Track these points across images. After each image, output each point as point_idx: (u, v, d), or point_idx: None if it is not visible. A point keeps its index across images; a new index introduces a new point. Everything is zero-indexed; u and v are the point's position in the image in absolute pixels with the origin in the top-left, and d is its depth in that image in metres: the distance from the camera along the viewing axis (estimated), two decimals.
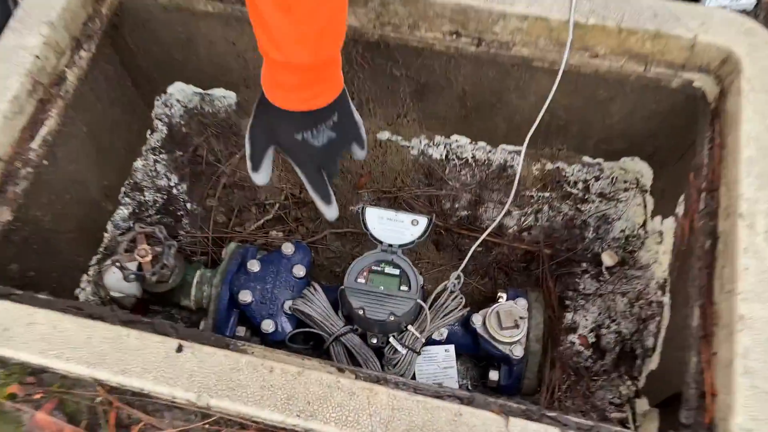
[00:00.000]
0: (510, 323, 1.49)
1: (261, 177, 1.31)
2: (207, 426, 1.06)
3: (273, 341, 1.57)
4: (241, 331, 1.62)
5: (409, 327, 1.47)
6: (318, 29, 0.92)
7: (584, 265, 1.66)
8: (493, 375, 1.58)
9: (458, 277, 1.53)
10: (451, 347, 1.55)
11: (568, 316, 1.60)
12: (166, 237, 1.49)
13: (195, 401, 1.05)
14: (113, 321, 1.12)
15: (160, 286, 1.57)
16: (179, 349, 1.09)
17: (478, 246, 1.84)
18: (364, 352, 1.48)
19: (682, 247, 1.31)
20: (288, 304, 1.55)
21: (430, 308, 1.48)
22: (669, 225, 1.43)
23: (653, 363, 1.37)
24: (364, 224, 1.51)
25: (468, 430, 1.02)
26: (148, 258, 1.48)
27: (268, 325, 1.53)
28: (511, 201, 1.48)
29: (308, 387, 1.05)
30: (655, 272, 1.46)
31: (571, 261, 1.69)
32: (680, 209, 1.35)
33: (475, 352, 1.61)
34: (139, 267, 1.49)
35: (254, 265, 1.60)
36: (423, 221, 1.50)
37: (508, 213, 1.81)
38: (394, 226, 1.51)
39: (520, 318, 1.50)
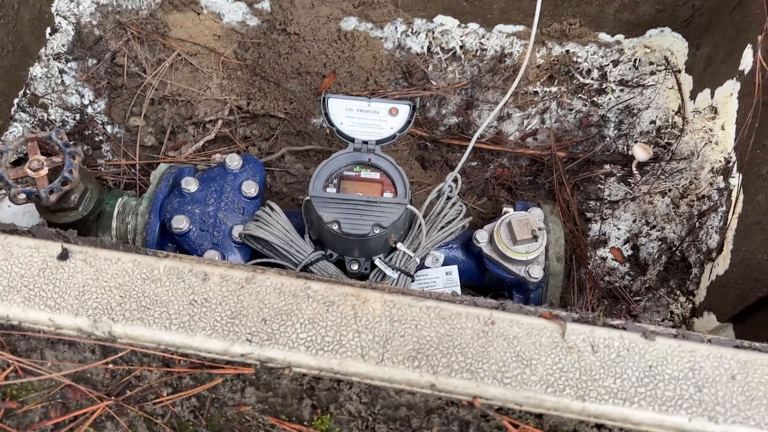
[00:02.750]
0: (525, 235, 1.16)
1: None
2: (112, 366, 0.70)
3: None
4: None
5: (399, 245, 1.13)
6: None
7: (607, 167, 1.34)
8: None
9: (455, 179, 1.19)
10: (454, 268, 1.21)
11: (594, 227, 1.27)
12: (66, 143, 1.11)
13: (90, 330, 0.69)
14: None
15: (66, 215, 1.19)
16: (63, 255, 0.72)
17: (472, 161, 1.50)
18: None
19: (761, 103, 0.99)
20: (237, 230, 1.19)
21: (424, 220, 1.13)
22: (726, 92, 1.11)
23: (720, 267, 1.04)
24: (328, 118, 1.15)
25: (506, 344, 0.68)
26: (44, 172, 1.10)
27: (212, 258, 1.17)
28: (516, 85, 1.14)
29: (263, 299, 0.70)
30: (709, 156, 1.14)
31: (591, 164, 1.36)
32: (747, 62, 1.03)
33: (480, 281, 1.28)
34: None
35: (191, 184, 1.23)
36: (404, 109, 1.15)
37: (508, 117, 1.47)
38: (368, 119, 1.16)
39: (539, 228, 1.17)
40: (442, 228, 1.16)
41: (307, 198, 1.10)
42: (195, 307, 0.69)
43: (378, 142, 1.15)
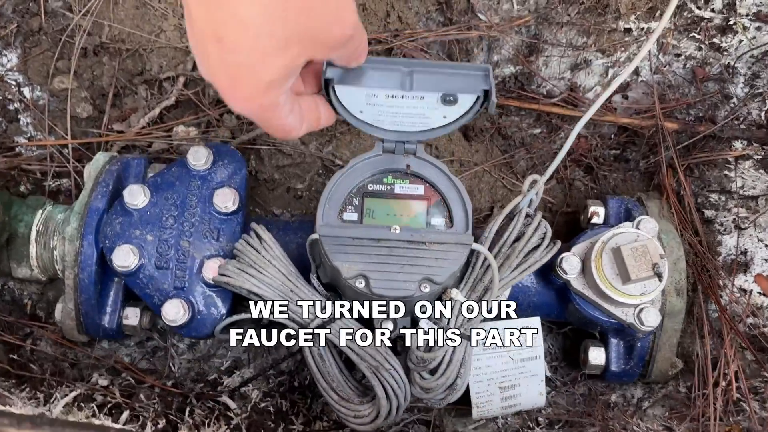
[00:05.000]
0: (643, 271, 0.77)
1: None
2: None
3: (190, 336, 0.83)
4: (132, 315, 0.87)
5: (453, 293, 0.74)
6: None
7: (737, 145, 0.93)
8: (596, 356, 0.88)
9: (533, 183, 0.78)
10: (536, 321, 0.83)
11: (726, 241, 0.89)
12: None
13: None
14: None
15: None
16: None
17: (535, 127, 1.09)
18: (372, 351, 0.74)
19: None
20: (211, 267, 0.80)
21: (492, 251, 0.74)
22: None
23: None
24: (337, 111, 0.71)
25: None
26: None
27: (174, 312, 0.79)
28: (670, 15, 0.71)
29: None
30: None
31: (710, 140, 0.96)
32: None
33: (559, 317, 0.90)
34: None
35: (137, 196, 0.83)
36: (466, 100, 0.71)
37: (585, 65, 1.05)
38: (405, 106, 0.73)
39: (661, 256, 0.78)
40: (519, 265, 0.77)
41: (315, 237, 0.70)
42: None
43: (419, 137, 0.74)
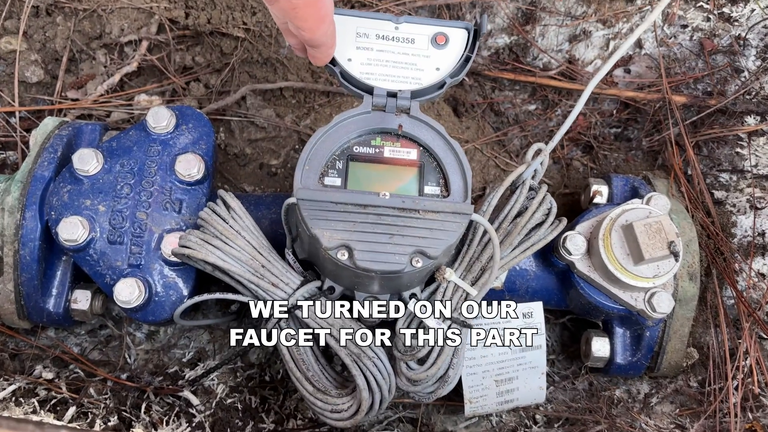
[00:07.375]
0: (658, 250, 0.69)
1: None
2: None
3: (147, 321, 0.73)
4: (82, 298, 0.77)
5: (448, 274, 0.65)
6: None
7: (750, 120, 0.86)
8: (600, 347, 0.80)
9: (538, 152, 0.70)
10: (537, 307, 0.75)
11: (741, 222, 0.81)
12: None
13: None
14: None
15: None
16: None
17: (530, 103, 1.01)
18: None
19: None
20: (170, 241, 0.70)
21: (493, 224, 0.66)
22: None
23: None
24: None
25: None
26: None
27: (128, 292, 0.69)
28: None
29: None
30: None
31: (720, 115, 0.89)
32: None
33: (559, 304, 0.82)
34: None
35: (89, 161, 0.73)
36: (458, 36, 0.66)
37: (585, 36, 0.97)
38: (396, 53, 0.66)
39: (677, 235, 0.70)
40: (521, 243, 0.69)
41: (292, 201, 0.61)
42: None
43: (415, 94, 0.65)
